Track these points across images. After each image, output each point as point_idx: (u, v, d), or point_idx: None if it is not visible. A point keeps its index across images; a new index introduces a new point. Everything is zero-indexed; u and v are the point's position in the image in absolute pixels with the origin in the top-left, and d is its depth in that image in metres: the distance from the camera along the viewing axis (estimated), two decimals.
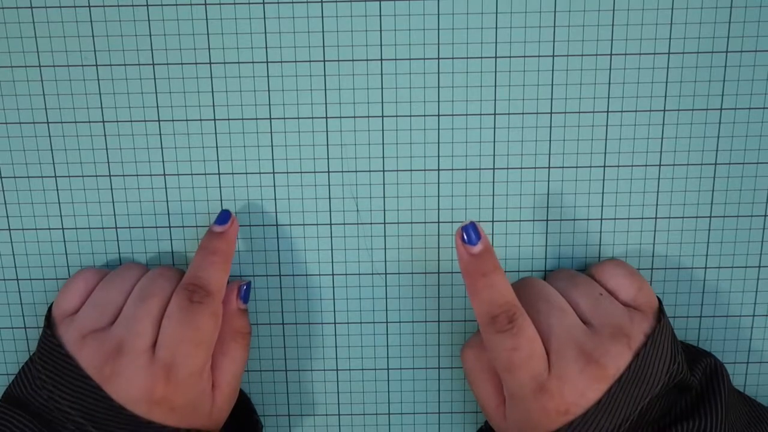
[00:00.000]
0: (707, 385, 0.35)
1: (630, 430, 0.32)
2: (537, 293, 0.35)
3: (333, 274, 0.39)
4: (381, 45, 0.36)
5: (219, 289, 0.35)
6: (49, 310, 0.36)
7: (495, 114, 0.37)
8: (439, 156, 0.37)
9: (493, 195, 0.38)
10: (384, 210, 0.38)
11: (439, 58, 0.36)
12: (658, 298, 0.35)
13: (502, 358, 0.33)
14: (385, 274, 0.39)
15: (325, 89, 0.36)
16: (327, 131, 0.37)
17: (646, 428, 0.33)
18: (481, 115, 0.37)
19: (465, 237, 0.33)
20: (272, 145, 0.37)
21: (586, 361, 0.32)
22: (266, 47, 0.36)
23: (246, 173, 0.37)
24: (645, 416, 0.33)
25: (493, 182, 0.37)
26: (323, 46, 0.36)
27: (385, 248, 0.38)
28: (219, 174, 0.37)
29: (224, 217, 0.36)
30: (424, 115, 0.37)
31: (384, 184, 0.37)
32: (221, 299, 0.35)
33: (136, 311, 0.34)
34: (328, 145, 0.37)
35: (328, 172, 0.37)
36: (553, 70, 0.36)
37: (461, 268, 0.33)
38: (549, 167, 0.37)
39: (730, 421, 0.34)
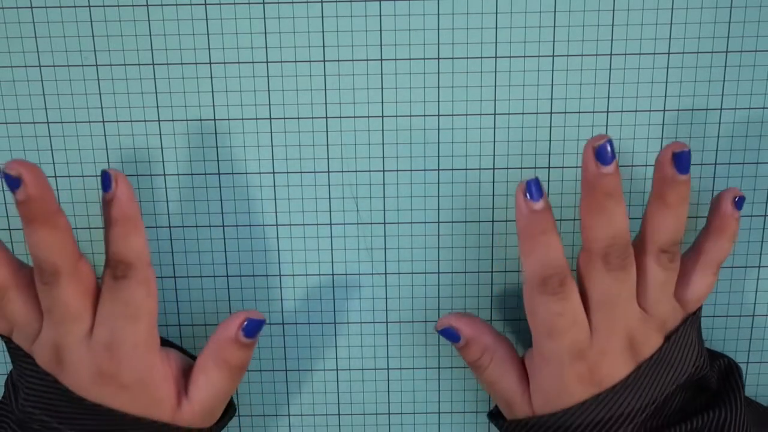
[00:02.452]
0: (725, 382, 0.36)
1: (654, 413, 0.33)
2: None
3: (333, 274, 0.39)
4: (381, 45, 0.36)
5: (138, 256, 0.33)
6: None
7: (495, 114, 0.37)
8: (439, 156, 0.37)
9: (493, 195, 0.38)
10: (384, 210, 0.38)
11: (439, 58, 0.36)
12: None
13: (545, 322, 0.33)
14: (385, 274, 0.39)
15: (325, 89, 0.36)
16: (327, 131, 0.37)
17: (669, 415, 0.34)
18: (481, 115, 0.37)
19: (527, 192, 0.32)
20: (272, 145, 0.37)
21: (630, 345, 0.33)
22: (266, 47, 0.36)
23: (246, 173, 0.37)
24: (669, 403, 0.33)
25: (493, 182, 0.37)
26: (323, 46, 0.36)
27: (385, 248, 0.38)
28: (219, 174, 0.37)
29: (106, 180, 0.32)
30: (424, 115, 0.37)
31: (384, 184, 0.37)
32: (146, 263, 0.33)
33: (53, 306, 0.33)
34: (328, 145, 0.37)
35: (328, 172, 0.37)
36: (553, 70, 0.36)
37: (519, 225, 0.33)
38: (549, 167, 0.37)
39: (748, 417, 0.35)
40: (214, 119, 0.37)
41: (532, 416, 0.34)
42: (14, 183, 0.31)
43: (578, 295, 0.33)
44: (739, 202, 0.34)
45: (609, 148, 0.31)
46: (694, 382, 0.35)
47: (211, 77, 0.36)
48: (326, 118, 0.37)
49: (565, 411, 0.33)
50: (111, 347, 0.33)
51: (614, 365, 0.33)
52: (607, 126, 0.37)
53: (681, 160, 0.32)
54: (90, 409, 0.33)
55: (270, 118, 0.37)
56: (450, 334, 0.36)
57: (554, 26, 0.35)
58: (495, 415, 0.38)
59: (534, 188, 0.32)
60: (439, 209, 0.38)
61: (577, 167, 0.37)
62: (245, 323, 0.34)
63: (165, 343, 0.39)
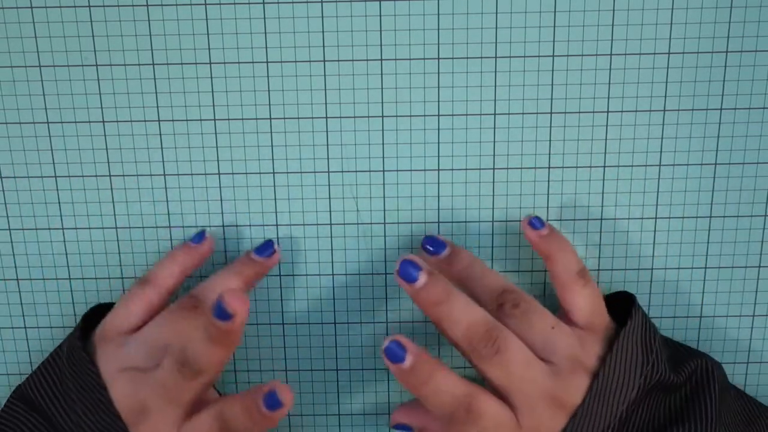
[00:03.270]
0: (697, 388, 0.35)
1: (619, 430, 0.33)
2: None
3: (333, 274, 0.39)
4: (381, 45, 0.36)
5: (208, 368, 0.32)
6: (84, 319, 0.36)
7: (495, 114, 0.37)
8: (439, 156, 0.37)
9: (493, 195, 0.38)
10: (384, 210, 0.38)
11: (439, 58, 0.36)
12: (632, 295, 0.36)
13: None
14: (385, 273, 0.39)
15: (325, 89, 0.36)
16: (327, 131, 0.37)
17: (637, 428, 0.33)
18: (481, 115, 0.37)
19: (388, 354, 0.31)
20: (272, 145, 0.37)
21: (556, 405, 0.32)
22: (266, 47, 0.36)
23: (246, 173, 0.37)
24: (629, 421, 0.33)
25: (493, 182, 0.37)
26: (323, 46, 0.36)
27: (385, 248, 0.38)
28: (219, 174, 0.37)
29: (223, 313, 0.30)
30: (424, 115, 0.37)
31: (384, 184, 0.37)
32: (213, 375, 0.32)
33: (178, 383, 0.32)
34: (328, 145, 0.37)
35: (328, 172, 0.37)
36: (553, 70, 0.36)
37: (401, 379, 0.32)
38: (549, 167, 0.37)
39: (723, 423, 0.34)
40: (214, 119, 0.37)
41: None
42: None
43: (491, 401, 0.32)
44: (534, 222, 0.35)
45: (412, 266, 0.32)
46: (649, 391, 0.34)
47: (211, 77, 0.36)
48: (326, 118, 0.37)
49: None
50: None
51: (549, 429, 0.32)
52: (607, 126, 0.37)
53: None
54: None
55: (270, 118, 0.37)
56: (402, 428, 0.37)
57: (554, 26, 0.35)
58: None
59: (397, 349, 0.31)
60: (439, 209, 0.38)
61: (577, 167, 0.37)
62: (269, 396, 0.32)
63: None
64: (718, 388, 0.34)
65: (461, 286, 0.34)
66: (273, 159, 0.37)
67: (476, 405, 0.32)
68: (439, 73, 0.36)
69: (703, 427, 0.33)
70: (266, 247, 0.37)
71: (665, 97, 0.36)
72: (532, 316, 0.33)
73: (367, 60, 0.36)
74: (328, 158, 0.37)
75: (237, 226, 0.38)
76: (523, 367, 0.32)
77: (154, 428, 0.32)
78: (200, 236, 0.37)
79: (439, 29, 0.35)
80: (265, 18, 0.35)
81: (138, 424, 0.32)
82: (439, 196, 0.38)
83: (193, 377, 0.31)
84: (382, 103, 0.36)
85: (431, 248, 0.36)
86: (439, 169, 0.37)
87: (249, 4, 0.35)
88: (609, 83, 0.36)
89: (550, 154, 0.37)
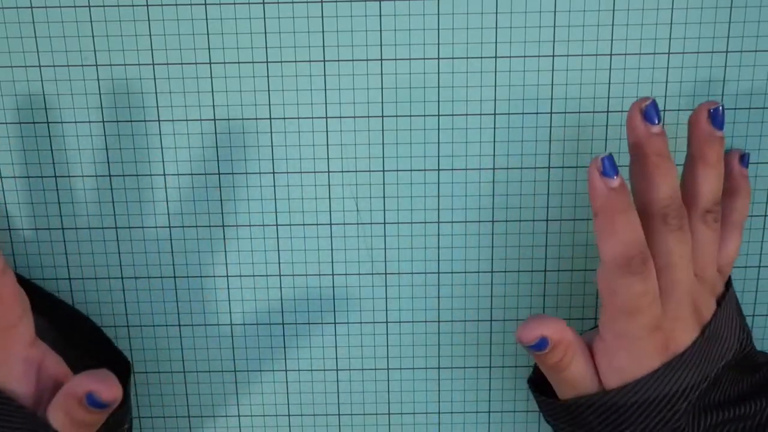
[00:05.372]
0: None
1: (706, 391, 0.33)
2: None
3: (333, 274, 0.39)
4: (381, 45, 0.36)
5: None
6: None
7: (495, 114, 0.37)
8: (439, 156, 0.37)
9: (493, 195, 0.38)
10: (384, 210, 0.38)
11: (439, 58, 0.36)
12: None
13: (628, 302, 0.32)
14: (385, 274, 0.39)
15: (325, 89, 0.36)
16: (327, 131, 0.37)
17: (718, 396, 0.34)
18: (481, 115, 0.37)
19: (603, 169, 0.31)
20: (272, 145, 0.37)
21: (695, 310, 0.33)
22: (266, 47, 0.36)
23: (246, 173, 0.37)
24: (719, 382, 0.33)
25: (493, 182, 0.37)
26: (323, 46, 0.36)
27: (385, 248, 0.38)
28: (219, 174, 0.37)
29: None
30: (424, 115, 0.37)
31: (384, 184, 0.37)
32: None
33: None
34: (328, 145, 0.37)
35: (328, 172, 0.37)
36: (553, 70, 0.36)
37: (596, 205, 0.31)
38: (549, 167, 0.37)
39: None
40: (214, 119, 0.37)
41: (598, 392, 0.33)
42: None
43: (655, 272, 0.32)
44: (744, 160, 0.35)
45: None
46: (739, 362, 0.34)
47: (211, 77, 0.36)
48: (326, 118, 0.37)
49: (636, 381, 0.32)
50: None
51: (685, 331, 0.32)
52: (607, 126, 0.37)
53: (717, 117, 0.33)
54: None
55: (270, 118, 0.37)
56: (540, 345, 0.33)
57: (554, 26, 0.35)
58: (535, 383, 0.37)
59: (608, 164, 0.31)
60: (439, 209, 0.38)
61: (577, 167, 0.37)
62: (89, 396, 0.31)
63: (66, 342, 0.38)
64: None
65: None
66: (273, 159, 0.37)
67: (650, 264, 0.31)
68: (439, 73, 0.36)
69: None
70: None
71: (665, 97, 0.36)
72: (716, 236, 0.34)
73: (367, 60, 0.36)
74: (328, 158, 0.37)
75: (237, 226, 0.38)
76: (688, 258, 0.32)
77: None
78: None
79: (439, 29, 0.35)
80: (265, 18, 0.35)
81: None
82: (439, 196, 0.38)
83: None
84: (382, 103, 0.36)
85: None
86: (439, 169, 0.37)
87: (249, 4, 0.35)
88: (609, 83, 0.36)
89: (550, 154, 0.37)
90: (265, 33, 0.36)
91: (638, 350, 0.32)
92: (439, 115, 0.37)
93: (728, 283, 0.35)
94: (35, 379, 0.32)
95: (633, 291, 0.31)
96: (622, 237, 0.31)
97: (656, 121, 0.32)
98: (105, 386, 0.30)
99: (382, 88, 0.36)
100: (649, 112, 0.32)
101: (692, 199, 0.33)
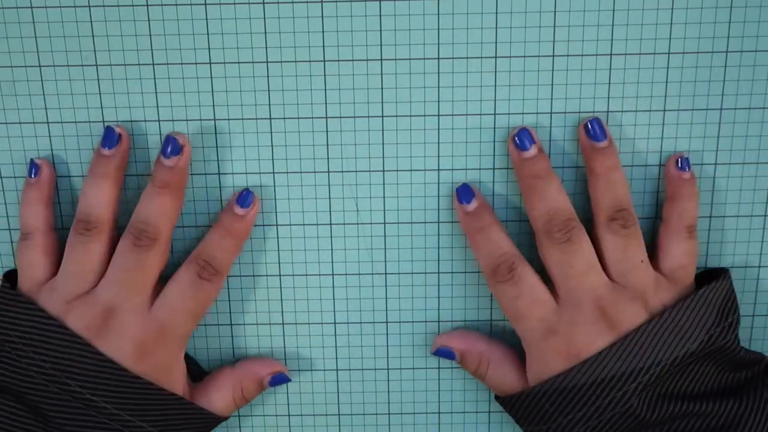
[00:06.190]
0: (757, 378, 0.35)
1: (666, 376, 0.33)
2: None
3: (333, 274, 0.39)
4: (381, 45, 0.36)
5: (225, 269, 0.36)
6: (5, 278, 0.36)
7: (495, 114, 0.37)
8: (439, 155, 0.37)
9: (493, 195, 0.38)
10: (384, 210, 0.38)
11: (439, 58, 0.36)
12: (726, 270, 0.36)
13: (508, 308, 0.35)
14: (385, 274, 0.39)
15: (325, 89, 0.36)
16: (327, 131, 0.37)
17: (683, 383, 0.34)
18: (481, 114, 0.37)
19: (459, 196, 0.36)
20: (272, 145, 0.37)
21: (605, 318, 0.34)
22: (266, 47, 0.36)
23: (246, 173, 0.37)
24: (682, 368, 0.34)
25: (493, 182, 0.37)
26: (323, 46, 0.36)
27: (385, 248, 0.38)
28: (219, 174, 0.37)
29: (245, 199, 0.36)
30: (424, 115, 0.37)
31: (384, 184, 0.37)
32: (226, 276, 0.37)
33: (127, 276, 0.34)
34: (328, 145, 0.37)
35: (328, 172, 0.37)
36: (553, 70, 0.36)
37: (462, 226, 0.36)
38: None
39: None
40: (214, 119, 0.37)
41: (522, 390, 0.36)
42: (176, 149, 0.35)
43: (534, 276, 0.34)
44: (682, 163, 0.35)
45: (527, 136, 0.35)
46: (709, 354, 0.34)
47: (211, 77, 0.36)
48: (326, 118, 0.37)
49: (583, 363, 0.34)
50: (164, 328, 0.34)
51: (587, 335, 0.34)
52: (607, 126, 0.37)
53: (592, 130, 0.35)
54: (115, 373, 0.33)
55: (270, 118, 0.37)
56: (445, 353, 0.38)
57: (554, 26, 0.35)
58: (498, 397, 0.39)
59: (462, 191, 0.36)
60: (439, 209, 0.38)
61: (576, 167, 0.37)
62: (274, 376, 0.38)
63: None
64: None
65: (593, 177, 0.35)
66: (273, 159, 0.37)
67: (519, 269, 0.34)
68: (439, 73, 0.36)
69: (751, 409, 0.34)
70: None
71: (665, 97, 0.36)
72: (631, 241, 0.34)
73: (367, 60, 0.36)
74: (328, 158, 0.37)
75: None
76: (584, 266, 0.34)
77: (120, 323, 0.34)
78: (34, 168, 0.36)
79: (439, 29, 0.35)
80: (265, 18, 0.35)
81: (101, 329, 0.34)
82: (439, 196, 0.38)
83: (150, 246, 0.34)
84: (382, 103, 0.36)
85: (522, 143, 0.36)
86: (439, 169, 0.37)
87: (249, 4, 0.35)
88: (609, 83, 0.36)
89: (550, 154, 0.37)
90: (265, 33, 0.36)
91: (538, 353, 0.35)
92: (439, 115, 0.37)
93: (711, 279, 0.36)
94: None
95: (507, 296, 0.35)
96: (484, 250, 0.35)
97: (527, 147, 0.35)
98: (278, 366, 0.38)
99: (382, 88, 0.36)
100: (521, 138, 0.35)
101: (594, 209, 0.35)
